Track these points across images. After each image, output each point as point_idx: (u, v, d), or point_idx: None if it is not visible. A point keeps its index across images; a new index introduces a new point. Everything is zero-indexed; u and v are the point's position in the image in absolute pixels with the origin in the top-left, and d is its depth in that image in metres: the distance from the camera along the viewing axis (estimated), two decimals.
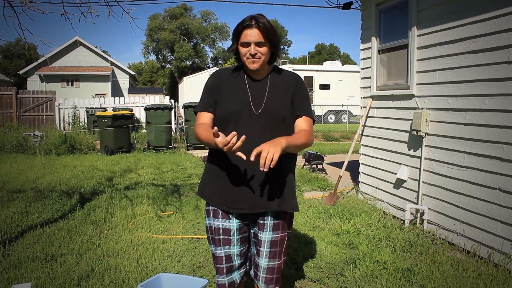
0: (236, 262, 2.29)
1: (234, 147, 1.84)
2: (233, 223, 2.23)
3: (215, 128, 1.85)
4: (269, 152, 1.81)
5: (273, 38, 2.10)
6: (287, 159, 2.19)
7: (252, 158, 1.82)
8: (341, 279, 3.48)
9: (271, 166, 1.80)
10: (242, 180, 2.14)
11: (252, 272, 2.33)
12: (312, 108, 26.66)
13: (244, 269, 2.36)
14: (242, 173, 2.13)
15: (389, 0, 5.54)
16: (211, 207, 2.27)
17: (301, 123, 2.22)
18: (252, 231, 2.31)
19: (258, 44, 2.06)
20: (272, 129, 2.05)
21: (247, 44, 2.07)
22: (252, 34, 2.05)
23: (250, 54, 2.07)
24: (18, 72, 35.22)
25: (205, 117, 2.21)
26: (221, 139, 1.84)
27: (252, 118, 2.03)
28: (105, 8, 4.64)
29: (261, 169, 1.79)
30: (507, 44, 3.68)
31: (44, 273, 3.51)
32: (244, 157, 1.88)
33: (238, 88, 2.19)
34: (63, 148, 11.80)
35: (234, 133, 1.83)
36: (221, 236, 2.25)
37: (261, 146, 1.84)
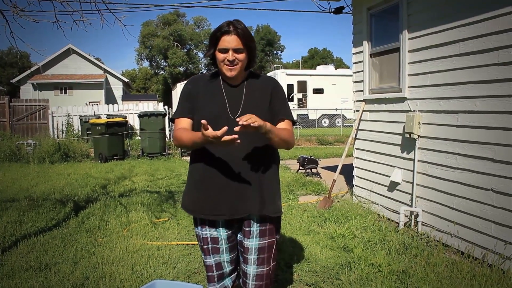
0: (227, 268, 2.29)
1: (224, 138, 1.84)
2: (221, 232, 2.22)
3: (203, 120, 1.84)
4: (254, 117, 1.86)
5: (251, 44, 2.12)
6: (267, 159, 2.20)
7: (240, 122, 1.84)
8: (336, 282, 3.48)
9: (246, 123, 1.83)
10: (222, 185, 2.13)
11: (241, 280, 2.31)
12: (306, 113, 26.77)
13: (236, 273, 2.35)
14: (222, 178, 2.13)
15: (380, 4, 5.58)
16: (197, 217, 2.27)
17: (283, 125, 2.23)
18: (238, 239, 2.29)
19: (236, 51, 2.07)
20: (250, 133, 2.00)
21: (225, 51, 2.07)
22: (230, 41, 2.05)
23: (228, 60, 2.07)
24: (11, 81, 35.02)
25: (184, 123, 2.21)
26: (211, 131, 1.83)
27: (229, 123, 1.99)
28: (97, 16, 4.64)
29: (239, 122, 1.84)
30: (496, 46, 3.72)
31: (38, 282, 3.49)
32: (234, 137, 1.85)
33: (215, 93, 2.20)
34: (57, 156, 11.73)
35: (225, 128, 1.83)
36: (210, 245, 2.24)
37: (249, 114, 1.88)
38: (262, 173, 2.18)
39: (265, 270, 2.22)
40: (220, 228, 2.22)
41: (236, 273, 2.36)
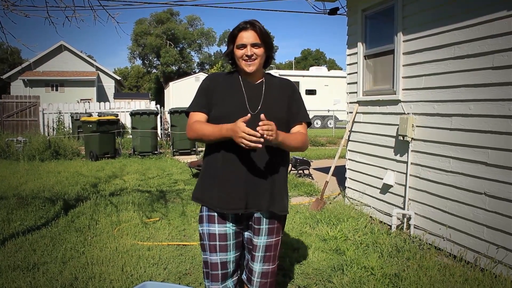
0: (231, 269, 2.29)
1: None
2: (229, 228, 2.23)
3: (247, 116, 1.91)
4: (272, 126, 1.90)
5: (268, 40, 2.16)
6: (279, 158, 2.22)
7: (260, 130, 1.87)
8: (328, 285, 3.46)
9: (264, 136, 1.87)
10: (237, 180, 2.15)
11: (245, 277, 2.33)
12: None
13: (237, 277, 2.35)
14: (237, 174, 2.14)
15: (375, 6, 5.58)
16: (205, 213, 2.25)
17: (299, 128, 2.28)
18: (246, 236, 2.31)
19: (254, 45, 2.11)
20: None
21: (243, 46, 2.12)
22: (248, 36, 2.10)
23: (246, 55, 2.11)
24: (1, 77, 34.63)
25: (199, 117, 2.22)
26: (246, 128, 1.88)
27: (249, 119, 2.02)
28: (90, 12, 4.60)
29: (259, 128, 1.87)
30: (491, 50, 3.72)
31: (25, 282, 3.42)
32: (259, 140, 1.89)
33: (234, 90, 2.22)
34: (47, 154, 11.62)
35: (248, 116, 1.92)
36: (217, 242, 2.23)
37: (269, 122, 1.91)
38: (273, 171, 2.20)
39: (271, 268, 2.27)
40: (229, 224, 2.23)
41: (237, 276, 2.35)
